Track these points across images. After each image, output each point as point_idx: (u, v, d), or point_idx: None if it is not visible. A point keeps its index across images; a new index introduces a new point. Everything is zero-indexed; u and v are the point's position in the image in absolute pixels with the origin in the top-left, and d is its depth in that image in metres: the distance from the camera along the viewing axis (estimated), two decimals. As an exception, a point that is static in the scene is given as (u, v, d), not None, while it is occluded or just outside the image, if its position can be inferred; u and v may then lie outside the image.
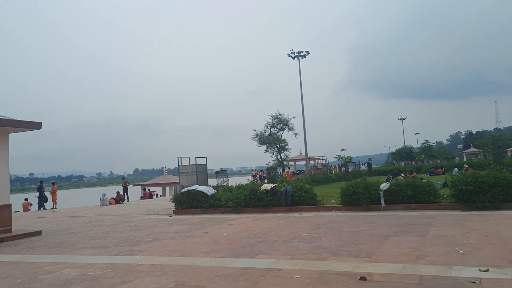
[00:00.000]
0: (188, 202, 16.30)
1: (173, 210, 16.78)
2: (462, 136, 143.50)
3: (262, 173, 52.68)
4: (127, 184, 29.98)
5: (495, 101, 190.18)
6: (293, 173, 45.23)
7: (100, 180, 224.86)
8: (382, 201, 12.93)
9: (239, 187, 18.63)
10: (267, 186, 15.31)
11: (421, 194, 12.55)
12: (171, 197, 17.48)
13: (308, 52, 53.86)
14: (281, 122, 53.37)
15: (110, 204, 25.52)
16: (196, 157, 18.48)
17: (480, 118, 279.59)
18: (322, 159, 48.84)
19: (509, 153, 63.00)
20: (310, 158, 54.52)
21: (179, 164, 18.51)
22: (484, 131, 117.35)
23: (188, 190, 16.38)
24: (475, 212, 11.02)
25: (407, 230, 8.89)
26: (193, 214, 15.87)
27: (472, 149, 75.43)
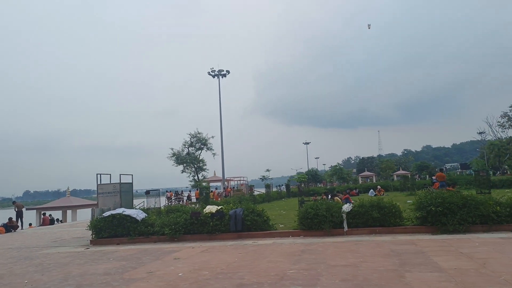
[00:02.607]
0: (111, 230, 13.19)
1: (90, 240, 13.48)
2: (352, 161, 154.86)
3: (179, 195, 49.43)
4: (22, 208, 24.91)
5: (378, 131, 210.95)
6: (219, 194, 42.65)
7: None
8: (345, 225, 11.42)
9: (171, 209, 16.03)
10: (211, 208, 12.94)
11: (387, 216, 11.32)
12: (88, 224, 14.12)
13: (228, 71, 53.05)
14: (199, 141, 50.98)
15: (-1, 233, 20.63)
16: (120, 174, 15.37)
17: (366, 145, 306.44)
18: (242, 180, 47.26)
19: (394, 177, 68.90)
20: (229, 179, 52.66)
21: (98, 183, 15.21)
22: (372, 157, 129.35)
23: (112, 214, 13.28)
24: (449, 236, 9.93)
25: (409, 261, 7.28)
26: (118, 244, 12.82)
27: (366, 173, 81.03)
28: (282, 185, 53.58)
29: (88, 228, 13.79)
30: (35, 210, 37.75)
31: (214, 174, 56.68)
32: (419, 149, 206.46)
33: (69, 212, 40.15)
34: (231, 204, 13.86)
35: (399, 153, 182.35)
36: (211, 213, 12.55)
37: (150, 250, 10.98)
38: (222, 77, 52.60)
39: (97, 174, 15.43)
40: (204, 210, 12.90)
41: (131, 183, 16.16)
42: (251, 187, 40.34)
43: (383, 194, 33.17)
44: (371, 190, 34.02)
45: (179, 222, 12.62)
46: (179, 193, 51.32)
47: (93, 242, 13.26)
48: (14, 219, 22.91)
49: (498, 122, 78.93)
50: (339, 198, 20.62)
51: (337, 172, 64.85)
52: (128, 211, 13.36)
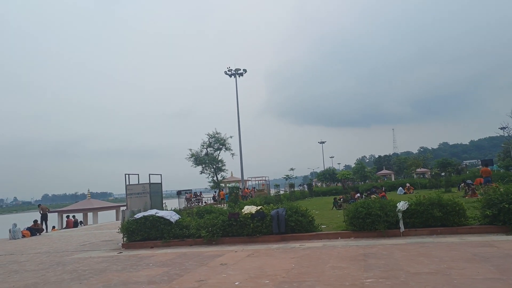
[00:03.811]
0: (144, 232, 12.44)
1: (122, 244, 12.75)
2: (367, 160, 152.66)
3: (198, 196, 48.80)
4: (47, 211, 24.44)
5: (393, 129, 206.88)
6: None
7: (2, 208, 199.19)
8: (401, 225, 10.42)
9: (201, 210, 15.25)
10: (250, 208, 12.08)
11: (450, 215, 10.26)
12: (119, 227, 13.41)
13: (245, 70, 52.01)
14: (218, 142, 50.26)
15: (24, 236, 20.14)
16: (149, 174, 14.62)
17: (380, 144, 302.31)
18: (263, 180, 46.38)
19: (414, 175, 67.21)
20: (247, 180, 51.77)
21: (127, 183, 14.50)
22: (389, 155, 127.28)
23: (144, 216, 12.53)
24: None
25: (503, 267, 6.29)
26: (152, 248, 12.06)
27: (384, 171, 79.48)
28: (303, 184, 52.45)
29: (119, 231, 13.06)
30: (56, 213, 37.55)
31: (231, 174, 55.97)
32: (435, 146, 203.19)
33: (90, 214, 39.88)
34: (271, 204, 12.96)
35: (415, 151, 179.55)
36: (251, 214, 11.70)
37: (189, 255, 10.17)
38: (239, 76, 51.71)
39: (125, 174, 14.75)
40: (243, 210, 12.05)
41: (161, 184, 15.43)
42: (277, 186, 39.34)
43: (412, 192, 31.88)
44: (400, 188, 32.73)
45: (216, 224, 11.79)
46: (198, 194, 50.77)
47: (125, 246, 12.53)
48: (39, 221, 22.42)
49: (523, 116, 76.74)
50: (376, 196, 19.60)
51: (359, 170, 63.32)
52: (161, 213, 12.60)
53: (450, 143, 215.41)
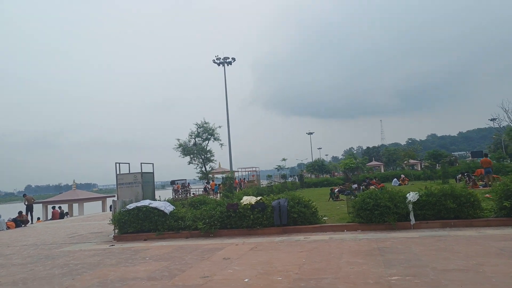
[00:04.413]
0: (137, 224, 11.81)
1: (114, 236, 12.10)
2: (355, 151, 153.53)
3: (186, 187, 48.08)
4: (32, 201, 23.48)
5: (381, 120, 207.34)
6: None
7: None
8: (412, 217, 10.00)
9: (195, 201, 14.67)
10: (250, 199, 11.54)
11: (464, 207, 9.84)
12: (110, 218, 12.74)
13: (234, 59, 51.10)
14: (206, 132, 49.42)
15: (8, 228, 19.25)
16: (141, 163, 13.92)
17: (368, 135, 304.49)
18: (254, 171, 45.78)
19: (404, 166, 67.50)
20: (236, 171, 51.10)
21: (117, 173, 13.79)
22: (378, 146, 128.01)
23: (137, 207, 11.89)
24: None
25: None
26: (145, 240, 11.45)
27: (374, 162, 79.72)
28: (293, 175, 52.20)
29: (110, 222, 12.40)
30: (41, 204, 36.47)
31: (219, 165, 55.27)
32: (423, 138, 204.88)
33: (75, 205, 38.93)
34: (271, 195, 12.42)
35: (403, 142, 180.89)
36: (251, 205, 11.15)
37: (187, 248, 9.60)
38: (228, 65, 50.81)
39: (115, 163, 14.06)
40: (242, 201, 11.50)
41: (153, 173, 14.76)
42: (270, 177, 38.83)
43: (407, 184, 31.68)
44: (395, 179, 32.55)
45: (214, 215, 11.23)
46: (186, 185, 49.99)
47: (117, 238, 11.88)
48: (24, 213, 21.51)
49: (516, 107, 77.45)
50: (375, 187, 19.25)
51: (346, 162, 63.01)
52: (155, 203, 11.98)
53: (439, 135, 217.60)
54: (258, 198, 11.60)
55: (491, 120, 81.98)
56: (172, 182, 40.76)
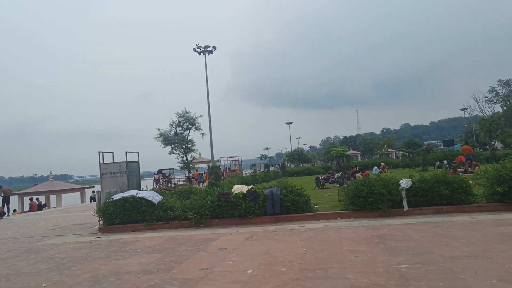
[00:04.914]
0: (124, 215, 11.37)
1: (99, 228, 11.63)
2: (332, 141, 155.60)
3: (167, 177, 47.43)
4: (9, 193, 22.53)
5: (357, 110, 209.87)
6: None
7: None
8: (405, 204, 9.94)
9: (181, 191, 14.28)
10: (241, 188, 11.26)
11: (457, 193, 9.84)
12: (95, 209, 12.23)
13: (215, 47, 50.42)
14: (187, 121, 48.67)
15: (-17, 221, 18.37)
16: (126, 152, 13.40)
17: (344, 125, 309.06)
18: (236, 160, 45.41)
19: (378, 155, 68.80)
20: (222, 160, 50.62)
21: (101, 162, 13.23)
22: (355, 136, 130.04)
23: (124, 197, 11.43)
24: None
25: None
26: (133, 232, 11.04)
27: (351, 151, 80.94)
28: (275, 164, 52.13)
29: (95, 213, 11.90)
30: (16, 196, 35.21)
31: (200, 155, 54.73)
32: (397, 127, 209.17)
33: (52, 197, 37.78)
34: (263, 183, 12.16)
35: (378, 132, 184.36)
36: (243, 194, 10.87)
37: (179, 239, 9.26)
38: (208, 54, 50.01)
39: (99, 152, 13.46)
40: (233, 190, 11.20)
41: (138, 162, 14.27)
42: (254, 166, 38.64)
43: (387, 171, 32.04)
44: (375, 167, 32.82)
45: (204, 204, 10.90)
46: (167, 175, 49.27)
47: (103, 230, 11.42)
48: (0, 205, 20.61)
49: (486, 97, 79.59)
50: (360, 175, 19.28)
51: (331, 150, 63.61)
52: (142, 193, 11.55)
53: (412, 124, 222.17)
54: (250, 187, 11.34)
55: (462, 110, 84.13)
56: (159, 172, 40.05)
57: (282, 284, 5.02)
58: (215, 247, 7.85)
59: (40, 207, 26.75)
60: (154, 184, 42.46)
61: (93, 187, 41.67)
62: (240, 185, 11.66)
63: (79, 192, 39.96)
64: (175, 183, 43.00)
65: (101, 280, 6.05)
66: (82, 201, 37.30)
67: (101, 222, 11.70)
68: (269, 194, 10.71)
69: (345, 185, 13.40)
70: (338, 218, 10.27)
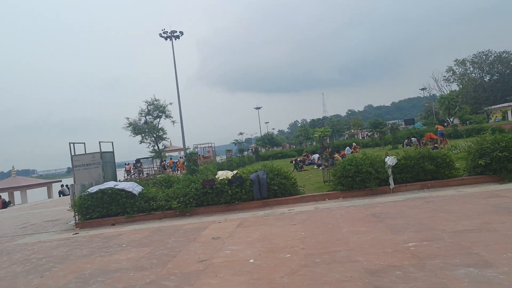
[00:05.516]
0: (102, 208, 10.74)
1: (76, 223, 10.94)
2: (299, 124, 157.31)
3: (138, 167, 46.27)
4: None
5: (322, 93, 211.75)
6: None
7: None
8: (391, 181, 9.86)
9: (159, 181, 13.71)
10: (226, 173, 10.84)
11: (441, 167, 9.87)
12: (70, 204, 11.48)
13: (182, 33, 49.14)
14: (157, 109, 47.35)
15: None
16: (99, 142, 12.61)
17: (311, 108, 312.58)
18: (209, 146, 44.72)
19: (346, 136, 70.37)
20: (195, 147, 49.71)
21: (73, 154, 12.42)
22: (323, 118, 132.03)
23: (101, 189, 10.77)
24: None
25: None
26: (113, 225, 10.44)
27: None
28: (248, 149, 51.88)
29: (70, 208, 11.19)
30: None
31: (171, 144, 53.71)
32: (361, 108, 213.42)
33: (17, 193, 36.11)
34: (248, 168, 11.77)
35: (343, 113, 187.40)
36: (228, 180, 10.46)
37: (166, 230, 8.78)
38: (175, 39, 48.69)
39: (69, 143, 12.63)
40: (217, 176, 10.77)
41: (113, 152, 13.53)
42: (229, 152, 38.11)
43: (358, 151, 32.49)
44: (347, 147, 33.12)
45: (189, 193, 10.43)
46: (139, 165, 48.01)
47: (80, 225, 10.75)
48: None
49: (444, 77, 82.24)
50: (338, 156, 19.25)
51: (304, 133, 63.94)
52: (121, 184, 10.93)
53: (374, 105, 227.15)
54: (235, 172, 10.93)
55: (422, 89, 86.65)
56: (137, 161, 38.91)
57: (292, 272, 4.68)
58: (207, 237, 7.44)
59: (5, 204, 25.30)
60: (125, 175, 41.32)
61: (61, 181, 40.06)
62: (224, 171, 11.24)
63: (46, 187, 38.34)
64: (147, 173, 42.01)
65: (89, 280, 5.52)
66: (50, 196, 35.78)
67: (77, 217, 11.00)
68: (256, 179, 10.36)
69: (326, 167, 13.23)
70: (327, 199, 10.07)
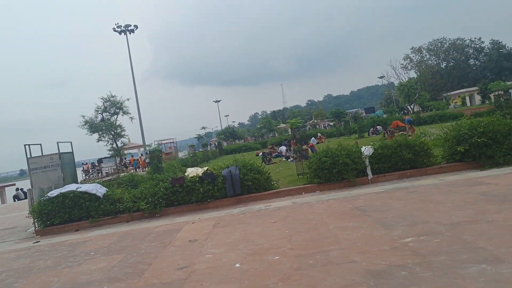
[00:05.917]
0: (64, 213, 10.00)
1: (35, 230, 10.14)
2: (259, 116, 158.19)
3: (96, 166, 44.56)
4: None
5: (281, 85, 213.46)
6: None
7: None
8: (369, 172, 9.81)
9: (122, 181, 13.05)
10: (196, 171, 10.39)
11: (419, 156, 9.89)
12: (28, 210, 10.61)
13: (136, 26, 47.84)
14: (114, 106, 45.66)
15: None
16: (57, 142, 11.73)
17: (270, 100, 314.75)
18: (170, 142, 43.69)
19: (308, 126, 71.61)
20: (150, 145, 48.36)
21: (28, 156, 11.49)
22: (283, 110, 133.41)
23: (62, 193, 10.02)
24: (507, 169, 8.69)
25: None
26: (77, 231, 9.76)
27: (282, 125, 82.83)
28: (210, 143, 51.25)
29: (29, 215, 10.36)
30: None
31: (129, 141, 52.16)
32: (321, 99, 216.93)
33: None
34: (219, 164, 11.36)
35: (303, 104, 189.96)
36: (199, 177, 10.03)
37: (135, 234, 8.25)
38: (130, 33, 47.20)
39: (25, 145, 11.70)
40: (187, 174, 10.31)
41: (72, 153, 12.69)
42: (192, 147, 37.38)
43: (323, 141, 32.83)
44: (313, 138, 33.32)
45: (157, 192, 9.91)
46: (97, 164, 46.23)
47: (41, 233, 9.97)
48: None
49: (402, 64, 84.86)
50: (307, 146, 19.20)
51: (267, 125, 63.92)
52: (84, 187, 10.23)
53: (334, 95, 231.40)
54: (205, 168, 10.50)
55: (380, 78, 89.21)
56: (100, 161, 37.22)
57: (285, 277, 4.39)
58: (183, 239, 7.02)
59: (-47, 212, 23.36)
60: (84, 175, 39.60)
61: (15, 184, 37.78)
62: (194, 168, 10.79)
63: (-3, 191, 35.98)
64: (107, 172, 40.49)
65: (58, 297, 4.99)
66: (3, 201, 33.63)
67: (37, 223, 10.20)
68: (228, 175, 9.99)
69: (296, 159, 13.06)
70: (303, 193, 9.88)
